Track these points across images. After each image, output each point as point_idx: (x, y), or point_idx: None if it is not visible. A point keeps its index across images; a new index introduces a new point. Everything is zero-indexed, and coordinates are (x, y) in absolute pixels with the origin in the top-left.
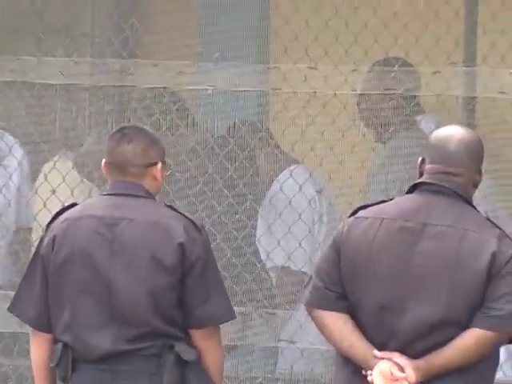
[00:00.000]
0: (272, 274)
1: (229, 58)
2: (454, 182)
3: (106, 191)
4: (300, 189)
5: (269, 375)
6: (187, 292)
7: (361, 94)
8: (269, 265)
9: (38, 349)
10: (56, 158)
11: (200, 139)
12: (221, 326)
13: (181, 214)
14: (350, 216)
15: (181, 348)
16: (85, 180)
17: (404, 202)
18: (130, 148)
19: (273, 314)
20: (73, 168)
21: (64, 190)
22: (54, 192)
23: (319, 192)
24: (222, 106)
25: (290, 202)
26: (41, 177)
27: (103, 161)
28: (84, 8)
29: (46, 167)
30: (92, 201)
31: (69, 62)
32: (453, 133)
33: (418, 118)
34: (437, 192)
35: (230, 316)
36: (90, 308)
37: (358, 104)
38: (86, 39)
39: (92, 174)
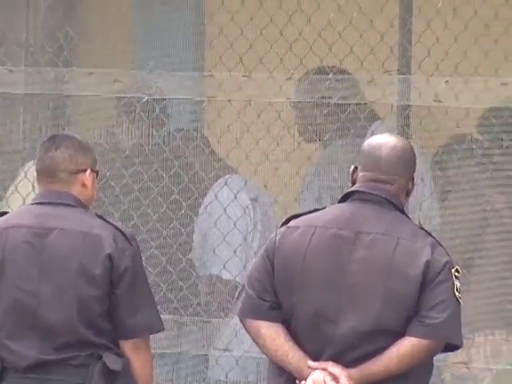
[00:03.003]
0: (205, 283)
1: (164, 66)
2: (385, 189)
3: (35, 200)
4: (235, 197)
5: (203, 383)
6: (116, 303)
7: (295, 102)
8: (203, 273)
9: None
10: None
11: (135, 147)
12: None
13: (111, 224)
14: (281, 225)
15: (108, 358)
16: None
17: (336, 210)
18: (57, 154)
19: (207, 323)
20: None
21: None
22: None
23: (254, 200)
24: (157, 114)
25: (225, 210)
26: (21, 175)
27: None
28: (18, 17)
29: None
30: (22, 210)
31: (3, 70)
32: (385, 141)
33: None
34: (369, 200)
35: (158, 327)
36: (18, 317)
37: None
38: (21, 48)
39: None
